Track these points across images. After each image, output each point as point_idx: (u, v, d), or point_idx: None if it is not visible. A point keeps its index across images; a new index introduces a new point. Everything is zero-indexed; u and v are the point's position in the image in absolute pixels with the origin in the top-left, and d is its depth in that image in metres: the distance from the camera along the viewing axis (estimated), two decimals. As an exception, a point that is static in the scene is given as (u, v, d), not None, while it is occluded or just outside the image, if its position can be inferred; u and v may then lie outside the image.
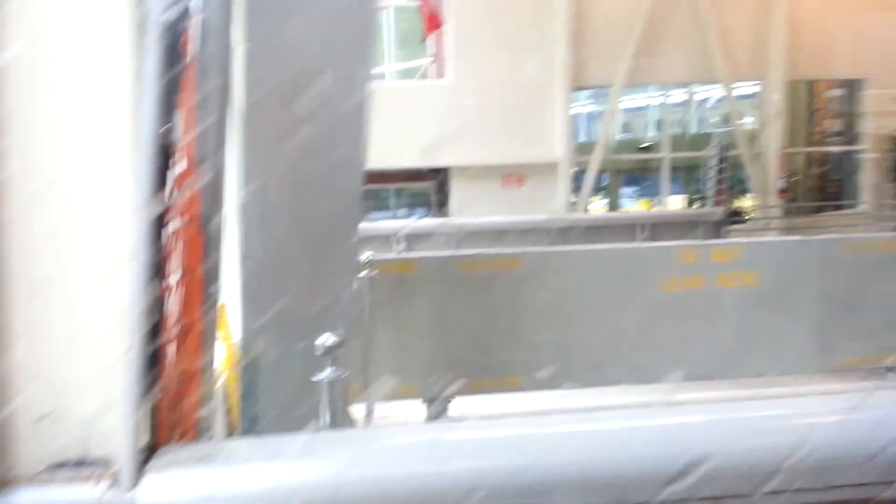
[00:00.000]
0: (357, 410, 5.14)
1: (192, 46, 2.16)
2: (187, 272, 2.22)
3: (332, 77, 3.11)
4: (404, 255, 7.51)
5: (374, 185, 11.79)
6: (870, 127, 12.61)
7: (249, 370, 3.26)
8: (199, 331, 2.43)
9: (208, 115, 2.54)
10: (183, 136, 2.14)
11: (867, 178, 12.74)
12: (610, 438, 1.53)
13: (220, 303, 3.84)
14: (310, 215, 3.28)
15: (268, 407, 3.26)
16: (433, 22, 11.49)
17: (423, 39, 12.05)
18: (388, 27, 12.72)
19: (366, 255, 4.90)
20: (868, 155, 12.72)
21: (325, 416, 2.93)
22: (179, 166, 2.09)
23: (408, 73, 13.13)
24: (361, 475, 1.45)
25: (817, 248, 6.20)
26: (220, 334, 3.78)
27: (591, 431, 1.56)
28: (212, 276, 2.61)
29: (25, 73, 1.40)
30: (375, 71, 12.67)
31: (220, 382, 3.85)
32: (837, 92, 13.41)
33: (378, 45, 12.16)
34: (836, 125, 13.50)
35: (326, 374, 2.88)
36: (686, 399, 5.79)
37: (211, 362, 2.69)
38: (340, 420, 3.18)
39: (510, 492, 1.42)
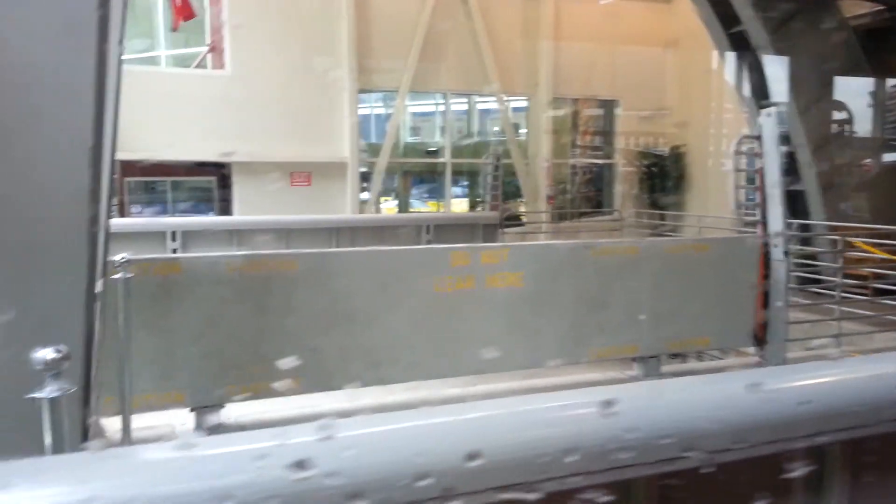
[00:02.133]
0: (113, 424, 4.74)
1: None
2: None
3: (50, 54, 2.78)
4: (170, 255, 7.05)
5: (149, 177, 10.97)
6: (622, 143, 14.21)
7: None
8: None
9: None
10: None
11: (620, 189, 14.31)
12: (387, 438, 1.53)
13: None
14: (28, 211, 2.92)
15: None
16: (184, 11, 10.88)
17: (174, 29, 11.39)
18: (160, 10, 11.88)
19: (120, 256, 4.51)
20: (622, 168, 14.31)
21: (47, 438, 2.64)
22: None
23: (186, 61, 12.37)
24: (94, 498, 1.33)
25: (571, 252, 6.80)
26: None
27: (368, 434, 1.56)
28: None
29: None
30: (144, 55, 11.76)
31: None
32: (597, 111, 14.92)
33: (148, 27, 11.33)
34: (595, 140, 15.01)
35: (47, 391, 2.59)
36: (465, 393, 6.11)
37: None
38: (71, 441, 2.89)
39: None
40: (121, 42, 3.04)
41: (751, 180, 9.28)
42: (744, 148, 9.02)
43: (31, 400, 2.64)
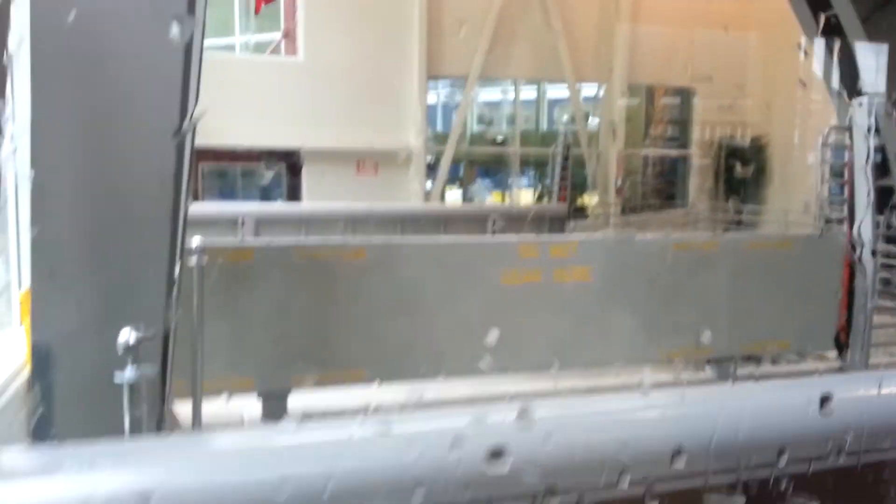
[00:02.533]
0: (184, 408, 4.83)
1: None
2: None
3: (139, 43, 2.81)
4: (243, 241, 7.16)
5: (220, 163, 11.22)
6: (699, 133, 13.71)
7: (42, 369, 2.91)
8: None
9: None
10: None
11: (696, 181, 13.84)
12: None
13: (23, 290, 3.43)
14: (114, 195, 2.96)
15: (63, 410, 2.93)
16: None
17: (256, 12, 11.53)
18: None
19: (196, 241, 4.57)
20: (697, 159, 13.83)
21: (126, 420, 2.67)
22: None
23: (260, 48, 12.56)
24: (150, 488, 1.32)
25: (644, 246, 6.58)
26: (23, 326, 3.36)
27: (436, 431, 1.51)
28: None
29: None
30: (223, 43, 11.98)
31: (21, 380, 3.44)
32: (673, 99, 14.44)
33: (224, 14, 11.54)
34: (670, 130, 14.54)
35: (128, 373, 2.62)
36: (526, 390, 6.00)
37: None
38: (149, 422, 2.92)
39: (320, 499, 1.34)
40: (203, 28, 3.04)
41: (838, 174, 8.78)
42: (831, 140, 8.55)
43: (112, 381, 2.68)
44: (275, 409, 5.48)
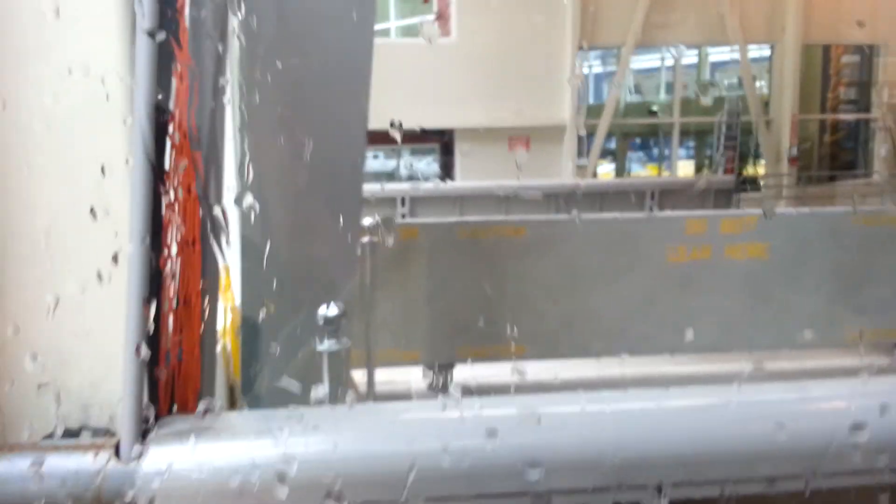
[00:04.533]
0: (358, 376, 5.13)
1: (187, 9, 2.05)
2: (186, 243, 2.16)
3: (332, 36, 2.99)
4: (408, 220, 7.42)
5: (376, 145, 11.66)
6: (884, 96, 12.38)
7: (249, 338, 3.20)
8: (199, 301, 2.37)
9: (205, 82, 2.44)
10: (178, 104, 2.05)
11: (880, 148, 12.55)
12: (619, 419, 1.50)
13: (223, 265, 3.78)
14: (311, 179, 3.18)
15: (268, 376, 3.20)
16: None
17: (426, 1, 11.76)
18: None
19: (369, 220, 4.81)
20: (881, 124, 12.51)
21: (325, 388, 2.88)
22: (175, 136, 2.02)
23: (411, 30, 12.85)
24: (361, 451, 1.43)
25: (828, 221, 6.09)
26: (224, 298, 3.72)
27: (597, 413, 1.53)
28: (211, 246, 2.53)
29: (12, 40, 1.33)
30: (378, 28, 12.45)
31: (221, 348, 3.81)
32: (852, 58, 13.11)
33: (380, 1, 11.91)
34: (850, 92, 13.23)
35: (327, 344, 2.82)
36: (698, 372, 5.80)
37: (213, 332, 2.63)
38: (342, 390, 3.13)
39: (511, 471, 1.38)
40: (374, 19, 3.19)
41: None
42: None
43: (307, 352, 2.90)
44: (440, 381, 5.69)
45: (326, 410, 1.64)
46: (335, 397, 2.99)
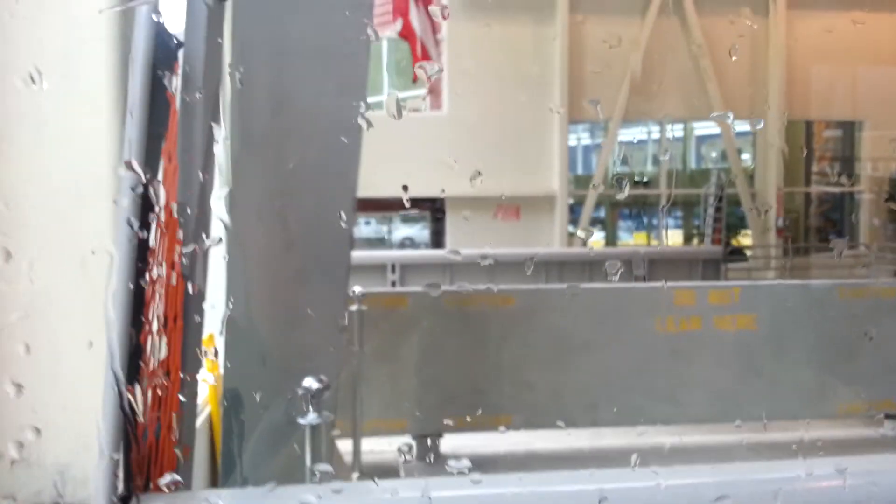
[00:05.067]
0: (343, 446, 5.04)
1: (177, 85, 2.10)
2: (168, 319, 2.15)
3: (324, 110, 3.07)
4: (396, 289, 7.43)
5: (367, 213, 11.78)
6: (868, 169, 12.69)
7: (231, 413, 3.15)
8: (178, 377, 2.34)
9: (192, 155, 2.48)
10: (166, 178, 2.08)
11: (866, 220, 12.77)
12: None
13: (206, 336, 3.75)
14: (298, 249, 3.20)
15: (249, 450, 3.13)
16: (424, 57, 11.55)
17: (414, 80, 12.10)
18: (383, 58, 12.78)
19: (356, 289, 4.82)
20: (866, 196, 12.78)
21: (308, 462, 2.82)
22: (161, 214, 2.03)
23: (405, 103, 13.17)
24: None
25: (815, 292, 6.14)
26: (207, 369, 3.68)
27: (593, 491, 1.51)
28: (194, 319, 2.52)
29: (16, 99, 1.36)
30: (369, 100, 12.75)
31: (203, 422, 3.75)
32: (835, 132, 13.49)
33: (373, 75, 12.24)
34: (834, 166, 13.55)
35: (310, 418, 2.77)
36: (685, 443, 5.72)
37: (193, 405, 2.59)
38: (322, 461, 3.06)
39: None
40: (365, 93, 3.28)
41: None
42: None
43: (289, 425, 2.85)
44: (427, 451, 5.58)
45: (305, 489, 1.60)
46: (319, 471, 2.93)
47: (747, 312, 5.77)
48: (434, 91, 12.04)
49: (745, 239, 12.63)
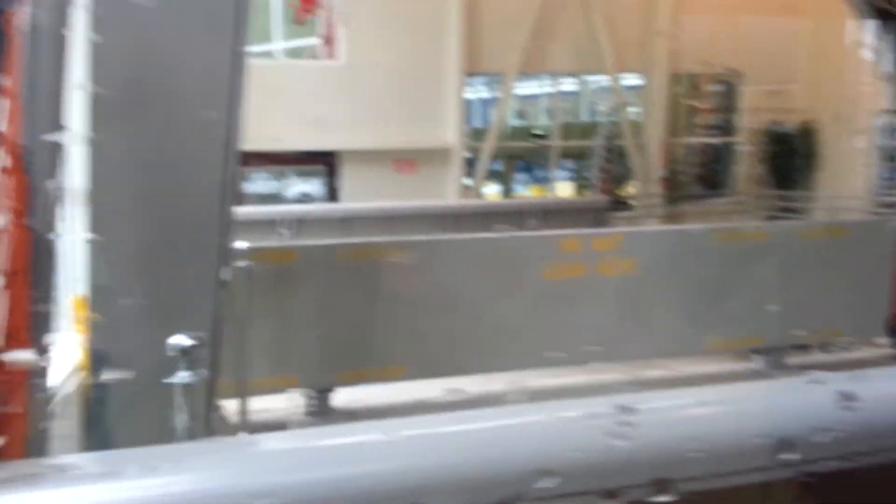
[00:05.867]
0: (233, 406, 4.94)
1: (19, 26, 1.93)
2: (13, 274, 2.02)
3: (195, 55, 2.92)
4: (286, 243, 7.27)
5: (259, 166, 11.40)
6: (746, 120, 13.38)
7: (98, 373, 3.01)
8: (27, 336, 2.21)
9: (40, 102, 2.31)
10: (7, 124, 1.93)
11: (742, 169, 13.53)
12: (484, 437, 1.51)
13: (77, 296, 3.54)
14: (167, 204, 3.06)
15: (120, 413, 3.02)
16: (309, 4, 11.14)
17: (297, 22, 11.66)
18: (275, 3, 12.23)
19: (241, 245, 4.67)
20: (744, 147, 13.51)
21: (182, 422, 2.74)
22: (6, 159, 1.89)
23: (298, 53, 12.69)
24: (195, 490, 1.36)
25: (690, 238, 6.49)
26: (77, 331, 3.47)
27: (468, 431, 1.54)
28: (43, 277, 2.37)
29: None
30: (261, 49, 12.15)
31: (73, 385, 3.56)
32: (718, 86, 14.10)
33: (264, 22, 11.72)
34: (715, 118, 14.20)
35: (181, 377, 2.69)
36: (572, 383, 5.97)
37: (44, 370, 2.45)
38: (202, 424, 2.99)
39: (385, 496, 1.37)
40: (245, 38, 3.12)
41: (890, 158, 8.50)
42: (882, 123, 8.28)
43: (164, 385, 2.75)
44: (319, 407, 5.57)
45: (166, 450, 1.54)
46: (195, 431, 2.85)
47: (628, 257, 6.03)
48: (329, 40, 11.66)
49: (631, 189, 13.13)
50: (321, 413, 5.47)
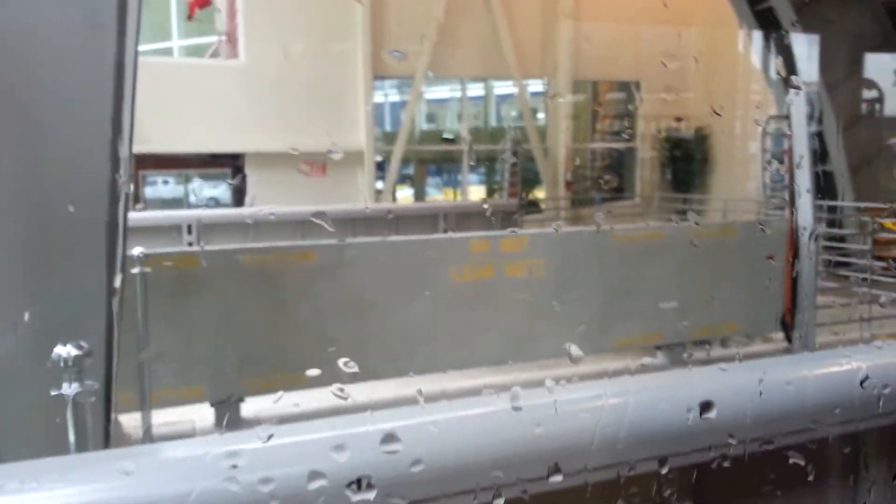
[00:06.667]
0: (132, 420, 4.69)
1: None
2: None
3: (74, 46, 2.74)
4: (187, 248, 6.99)
5: (161, 170, 10.94)
6: (644, 126, 13.98)
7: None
8: None
9: None
10: None
11: (642, 173, 14.11)
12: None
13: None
14: (48, 207, 2.86)
15: (6, 429, 2.80)
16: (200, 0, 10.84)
17: (189, 18, 11.30)
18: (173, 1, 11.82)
19: (138, 250, 4.44)
20: (644, 152, 14.10)
21: (71, 437, 2.57)
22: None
23: (199, 51, 12.31)
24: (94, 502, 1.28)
25: (593, 239, 6.66)
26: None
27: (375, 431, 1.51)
28: None
29: None
30: (159, 47, 11.70)
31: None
32: (618, 94, 14.68)
33: (162, 18, 11.28)
34: (616, 124, 14.76)
35: (68, 389, 2.52)
36: (483, 384, 6.01)
37: None
38: (95, 439, 2.82)
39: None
40: (137, 33, 2.97)
41: (779, 161, 9.05)
42: (771, 128, 8.81)
43: (53, 398, 2.57)
44: (227, 417, 5.37)
45: (50, 462, 1.44)
46: (85, 444, 2.68)
47: (536, 258, 6.14)
48: (231, 39, 11.34)
49: (539, 192, 13.44)
50: (231, 424, 5.27)
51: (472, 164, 13.57)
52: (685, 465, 1.56)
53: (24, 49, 2.55)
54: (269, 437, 1.48)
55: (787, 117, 7.21)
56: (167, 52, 11.78)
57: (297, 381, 5.51)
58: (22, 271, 2.73)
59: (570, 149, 13.22)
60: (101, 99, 2.71)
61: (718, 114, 12.45)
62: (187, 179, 11.93)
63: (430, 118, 15.04)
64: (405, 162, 12.82)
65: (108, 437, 3.15)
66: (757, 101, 11.34)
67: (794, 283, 7.09)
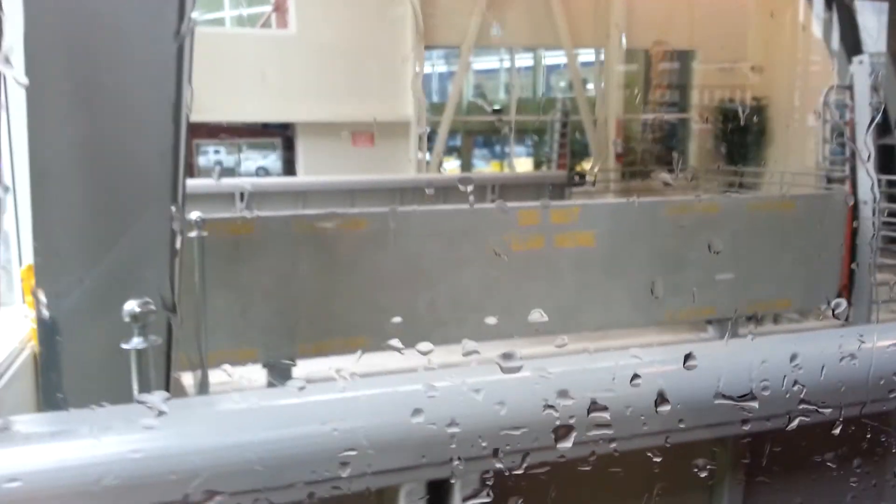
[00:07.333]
0: (189, 379, 4.86)
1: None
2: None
3: (137, 21, 2.81)
4: (242, 214, 7.13)
5: (215, 139, 11.15)
6: (699, 97, 13.62)
7: (50, 340, 2.92)
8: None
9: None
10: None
11: (696, 145, 13.78)
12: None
13: (26, 265, 3.42)
14: (115, 171, 2.96)
15: (71, 384, 2.94)
16: None
17: None
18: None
19: (195, 215, 4.56)
20: (698, 123, 13.75)
21: (135, 389, 2.69)
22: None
23: (251, 21, 12.42)
24: (147, 450, 1.34)
25: (645, 210, 6.57)
26: (26, 300, 3.37)
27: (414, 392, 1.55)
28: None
29: None
30: (209, 16, 11.84)
31: (26, 357, 3.45)
32: (672, 63, 14.28)
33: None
34: (669, 94, 14.40)
35: (134, 342, 2.63)
36: (530, 353, 6.03)
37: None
38: (156, 392, 2.93)
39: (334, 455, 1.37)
40: (194, 2, 3.02)
41: (839, 133, 8.73)
42: (832, 99, 8.48)
43: (119, 351, 2.69)
44: (279, 379, 5.52)
45: (120, 410, 1.51)
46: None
47: (586, 230, 6.09)
48: (280, 9, 11.41)
49: (588, 164, 13.26)
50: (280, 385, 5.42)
51: (519, 135, 13.46)
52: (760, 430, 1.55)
53: (87, 22, 2.63)
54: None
55: (850, 87, 6.95)
56: (219, 22, 11.92)
57: (345, 346, 5.65)
58: (90, 231, 2.84)
59: (620, 119, 12.98)
60: (164, 64, 2.78)
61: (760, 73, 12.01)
62: (239, 149, 12.12)
63: (478, 89, 14.91)
64: (453, 133, 12.77)
65: (168, 391, 3.28)
66: (818, 74, 10.92)
67: (852, 258, 6.90)
